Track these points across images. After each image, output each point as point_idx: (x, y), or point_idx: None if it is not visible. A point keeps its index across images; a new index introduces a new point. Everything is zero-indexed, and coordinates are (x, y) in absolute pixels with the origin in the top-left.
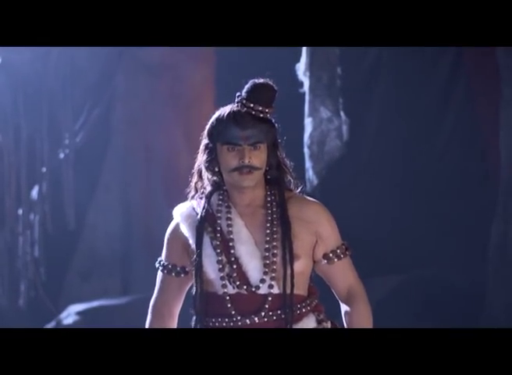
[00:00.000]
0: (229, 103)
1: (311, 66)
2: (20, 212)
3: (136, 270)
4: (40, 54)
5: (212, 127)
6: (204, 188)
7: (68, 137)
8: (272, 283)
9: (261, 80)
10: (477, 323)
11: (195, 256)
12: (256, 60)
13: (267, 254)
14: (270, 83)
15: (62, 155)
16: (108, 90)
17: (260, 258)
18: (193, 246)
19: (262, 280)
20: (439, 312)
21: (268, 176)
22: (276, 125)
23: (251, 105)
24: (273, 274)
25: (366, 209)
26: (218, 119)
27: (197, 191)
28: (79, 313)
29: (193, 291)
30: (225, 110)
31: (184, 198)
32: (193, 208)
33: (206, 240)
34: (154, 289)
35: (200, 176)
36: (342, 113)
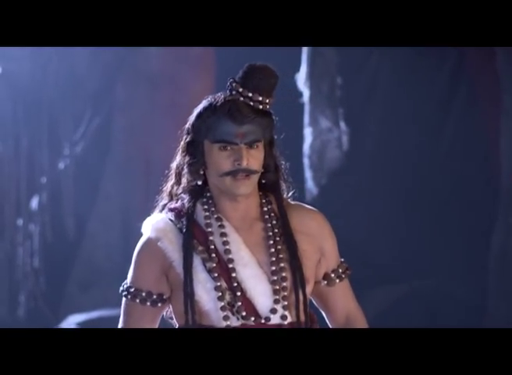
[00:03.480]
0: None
1: (311, 77)
2: (20, 222)
3: None
4: (39, 64)
5: (200, 121)
6: (180, 195)
7: (68, 146)
8: (285, 313)
9: (260, 64)
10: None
11: (184, 282)
12: None
13: (275, 278)
14: (270, 67)
15: (62, 165)
16: (108, 100)
17: (267, 283)
18: (178, 268)
19: (273, 310)
20: (440, 322)
21: (263, 181)
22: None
23: (249, 95)
24: (285, 302)
25: (366, 219)
26: (207, 111)
27: (171, 198)
28: (78, 324)
29: (177, 324)
30: (216, 100)
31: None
32: (171, 221)
33: (197, 261)
34: None
35: (178, 180)
36: (342, 123)
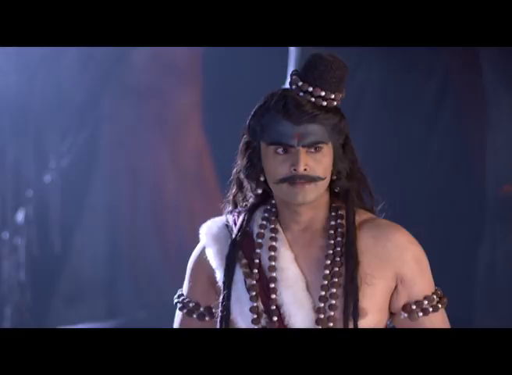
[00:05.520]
0: (217, 127)
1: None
2: (6, 235)
3: (121, 295)
4: (25, 76)
5: (254, 120)
6: (247, 201)
7: (54, 159)
8: None
9: (324, 54)
10: None
11: (222, 298)
12: (244, 84)
13: (322, 305)
14: (337, 57)
15: (48, 179)
16: (95, 113)
17: (311, 310)
18: (220, 282)
19: None
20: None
21: (336, 189)
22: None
23: (310, 89)
24: None
25: None
26: (261, 108)
27: (236, 206)
28: None
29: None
30: (272, 96)
31: (173, 225)
32: (227, 226)
33: (238, 276)
34: (138, 313)
35: (240, 187)
36: None
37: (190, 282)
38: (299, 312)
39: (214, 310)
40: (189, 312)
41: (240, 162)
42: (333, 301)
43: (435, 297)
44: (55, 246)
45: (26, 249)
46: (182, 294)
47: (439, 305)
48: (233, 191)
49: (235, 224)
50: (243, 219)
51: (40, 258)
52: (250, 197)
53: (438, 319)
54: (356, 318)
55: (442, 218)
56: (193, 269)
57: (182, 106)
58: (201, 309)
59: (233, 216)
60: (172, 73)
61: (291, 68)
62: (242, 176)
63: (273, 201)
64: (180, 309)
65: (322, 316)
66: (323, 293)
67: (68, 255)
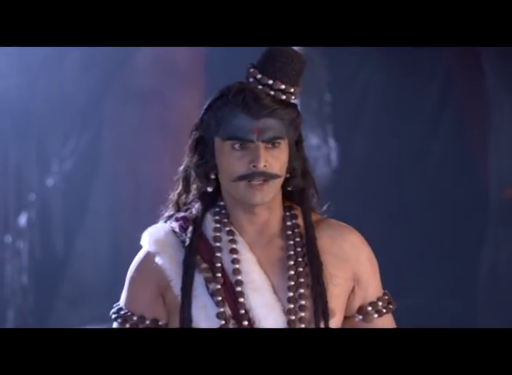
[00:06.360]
0: None
1: (300, 93)
2: (8, 239)
3: None
4: (27, 79)
5: (209, 113)
6: (190, 204)
7: (57, 163)
8: None
9: (284, 47)
10: None
11: (181, 306)
12: None
13: (291, 306)
14: (296, 50)
15: (50, 182)
16: (97, 116)
17: (281, 313)
18: (176, 289)
19: None
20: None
21: (289, 188)
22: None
23: (269, 82)
24: None
25: None
26: (218, 101)
27: (179, 208)
28: None
29: None
30: (230, 89)
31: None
32: (174, 233)
33: (199, 282)
34: None
35: (186, 187)
36: (331, 140)
37: (133, 293)
38: (269, 315)
39: (160, 322)
40: (133, 326)
41: (190, 159)
42: (303, 302)
43: (386, 298)
44: (58, 249)
45: (29, 252)
46: (121, 308)
47: (391, 306)
48: (178, 190)
49: (183, 229)
50: (196, 223)
51: (42, 261)
52: (193, 200)
53: (389, 321)
54: (327, 319)
55: (445, 220)
56: (137, 279)
57: (184, 109)
58: (147, 322)
59: (178, 221)
60: (175, 75)
61: None
62: (190, 174)
63: (221, 203)
64: (121, 324)
65: (293, 317)
66: (291, 294)
67: (70, 258)
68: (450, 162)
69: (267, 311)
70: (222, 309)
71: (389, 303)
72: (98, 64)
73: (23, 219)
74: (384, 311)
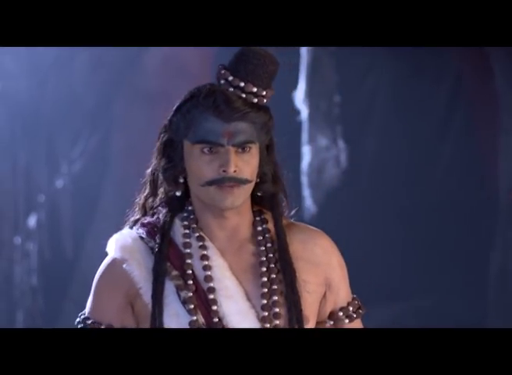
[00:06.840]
0: None
1: (309, 95)
2: (18, 240)
3: None
4: (37, 81)
5: (179, 115)
6: (157, 208)
7: (66, 164)
8: None
9: (256, 49)
10: None
11: (152, 315)
12: None
13: (265, 314)
14: (268, 51)
15: (60, 183)
16: (107, 117)
17: (255, 320)
18: (145, 297)
19: None
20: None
21: (259, 193)
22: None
23: (241, 85)
24: None
25: (365, 237)
26: (188, 104)
27: (146, 212)
28: None
29: None
30: (200, 90)
31: None
32: (142, 239)
33: (170, 289)
34: None
35: (153, 190)
36: (340, 141)
37: (99, 301)
38: (243, 323)
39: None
40: None
41: (158, 162)
42: (277, 310)
43: (356, 302)
44: (67, 250)
45: (38, 254)
46: (88, 318)
47: (360, 311)
48: (145, 193)
49: (150, 235)
50: (164, 229)
51: (52, 262)
52: (160, 204)
53: (358, 326)
54: (301, 327)
55: (454, 221)
56: (104, 287)
57: None
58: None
59: (145, 226)
60: (183, 76)
61: (303, 69)
62: (158, 177)
63: (190, 208)
64: None
65: (268, 325)
66: (265, 301)
67: (79, 260)
68: (459, 163)
69: (241, 318)
70: (194, 317)
71: (358, 308)
72: (107, 65)
73: (32, 221)
74: (354, 316)
